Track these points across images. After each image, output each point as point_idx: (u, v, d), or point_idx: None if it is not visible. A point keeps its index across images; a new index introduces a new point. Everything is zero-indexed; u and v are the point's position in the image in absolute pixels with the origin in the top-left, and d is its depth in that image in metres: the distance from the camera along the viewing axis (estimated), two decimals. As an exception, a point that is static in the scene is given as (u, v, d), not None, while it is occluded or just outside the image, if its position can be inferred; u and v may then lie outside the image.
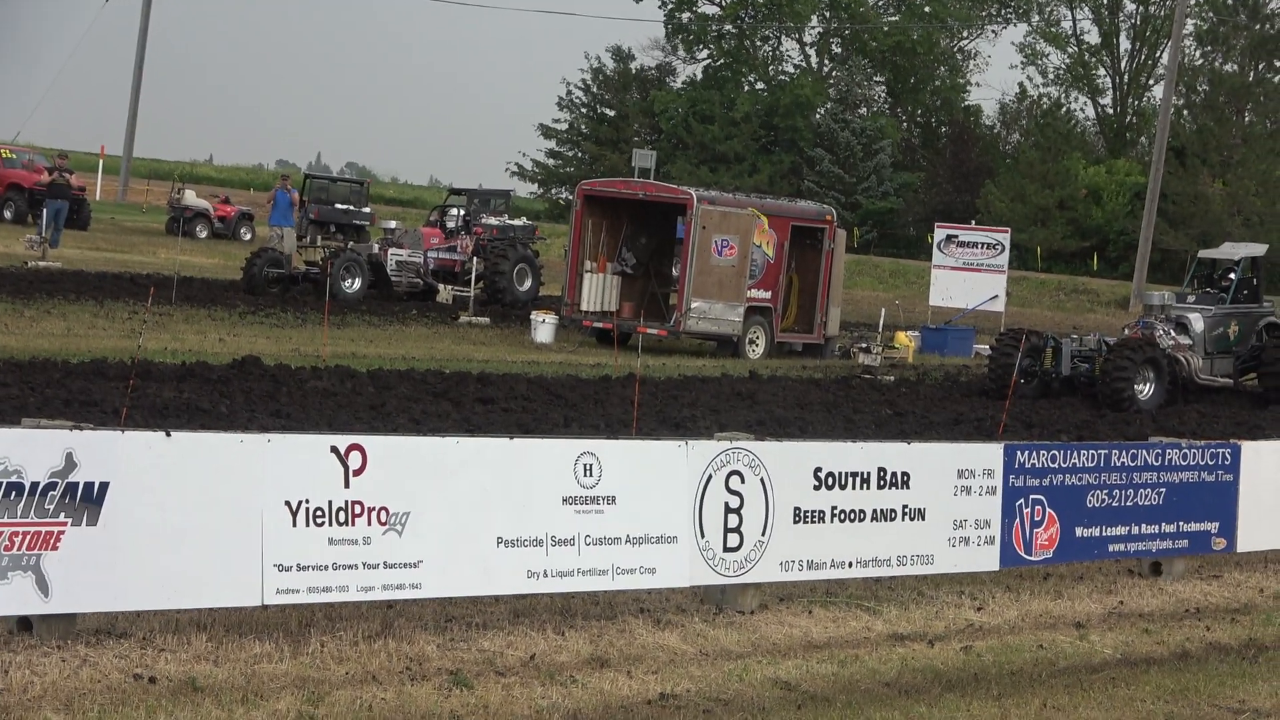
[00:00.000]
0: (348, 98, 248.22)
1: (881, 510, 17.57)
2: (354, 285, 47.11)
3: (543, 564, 15.19)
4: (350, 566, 14.10)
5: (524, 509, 15.11)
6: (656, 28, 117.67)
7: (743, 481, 16.52)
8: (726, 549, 16.41)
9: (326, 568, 13.98)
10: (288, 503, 13.80)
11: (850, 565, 17.42)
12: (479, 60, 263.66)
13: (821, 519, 17.09)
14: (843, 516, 17.24)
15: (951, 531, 18.17)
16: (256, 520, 13.69)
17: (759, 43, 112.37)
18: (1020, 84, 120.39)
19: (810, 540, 17.00)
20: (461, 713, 13.06)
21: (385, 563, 14.29)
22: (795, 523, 16.90)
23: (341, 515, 14.04)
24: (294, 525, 13.83)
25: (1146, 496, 20.04)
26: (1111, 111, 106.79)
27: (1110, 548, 19.80)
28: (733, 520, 16.43)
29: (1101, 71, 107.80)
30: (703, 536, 16.23)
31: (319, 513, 13.94)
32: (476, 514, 14.83)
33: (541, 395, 29.21)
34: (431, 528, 14.52)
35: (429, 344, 38.07)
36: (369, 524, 14.18)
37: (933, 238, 55.29)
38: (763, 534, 16.64)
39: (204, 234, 71.05)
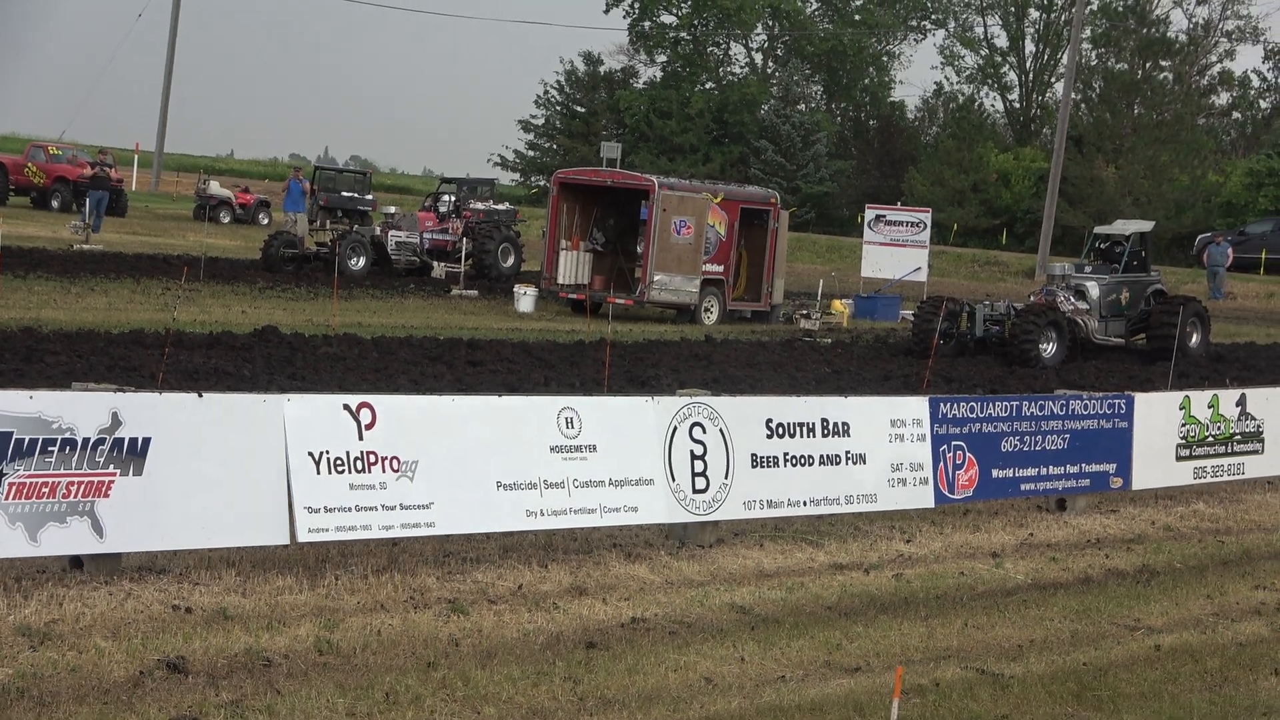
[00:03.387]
0: (352, 98, 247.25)
1: (828, 455, 17.61)
2: (359, 263, 47.04)
3: (538, 504, 15.22)
4: (371, 508, 14.11)
5: (517, 457, 15.13)
6: (621, 35, 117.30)
7: (704, 432, 16.55)
8: (695, 490, 16.44)
9: (350, 509, 13.99)
10: (310, 453, 13.80)
11: (805, 504, 17.45)
12: (466, 64, 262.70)
13: (776, 464, 17.11)
14: (794, 461, 17.27)
15: (891, 474, 18.22)
16: (283, 469, 13.69)
17: (711, 48, 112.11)
18: (939, 82, 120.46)
19: (768, 482, 17.04)
20: (459, 636, 13.08)
21: (401, 504, 14.30)
22: (754, 467, 16.92)
23: (359, 464, 14.05)
24: (318, 473, 13.83)
25: (1053, 442, 20.10)
26: (1018, 106, 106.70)
27: (1022, 487, 19.87)
28: (699, 465, 16.46)
29: (1009, 71, 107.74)
30: (674, 480, 16.26)
31: (339, 462, 13.95)
32: (476, 461, 14.85)
33: (524, 358, 29.18)
34: (439, 473, 14.53)
35: (425, 314, 38.00)
36: (383, 471, 14.19)
37: (863, 218, 55.23)
38: (726, 477, 16.67)
39: (227, 219, 70.76)
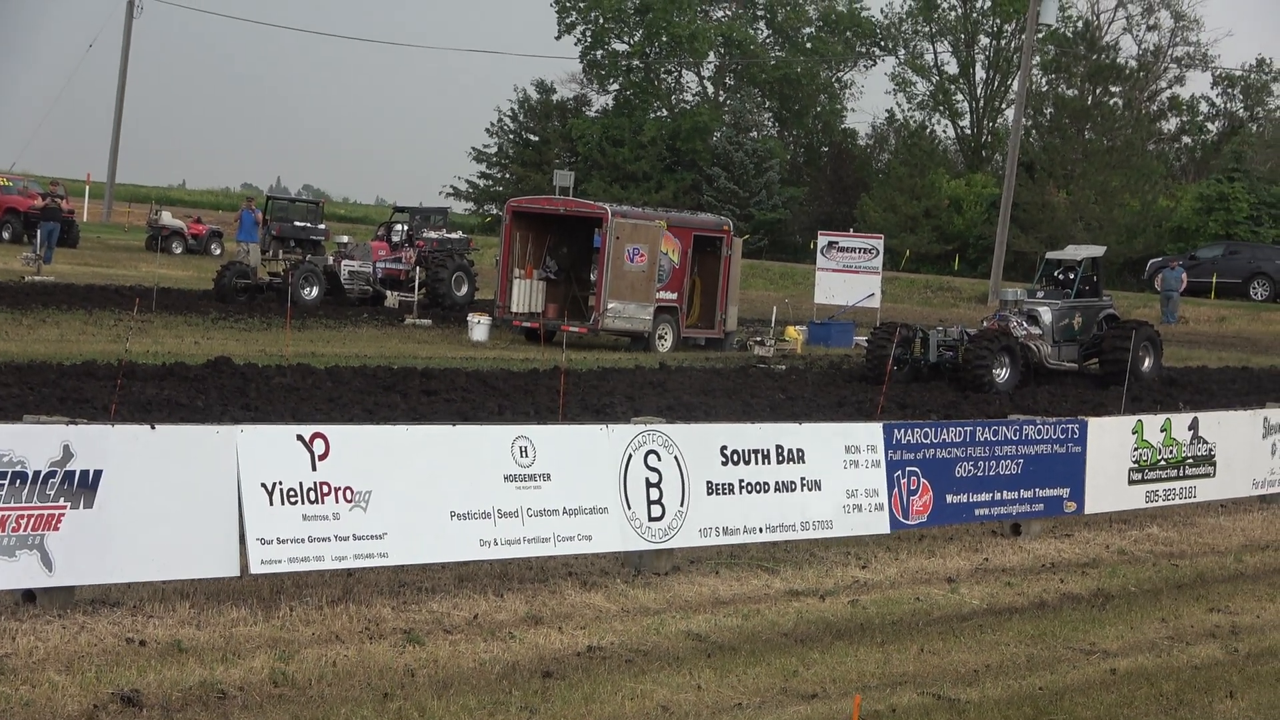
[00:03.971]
0: (304, 128, 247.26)
1: (782, 482, 17.61)
2: (312, 293, 46.93)
3: (492, 533, 15.18)
4: (324, 539, 14.06)
5: (471, 486, 15.09)
6: (574, 63, 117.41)
7: (659, 459, 16.54)
8: (651, 518, 16.42)
9: (303, 540, 13.94)
10: (263, 484, 13.75)
11: (761, 530, 17.45)
12: (419, 93, 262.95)
13: (732, 490, 17.11)
14: (750, 488, 17.27)
15: (846, 499, 18.22)
16: (235, 500, 13.63)
17: (663, 75, 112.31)
18: (890, 109, 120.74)
19: (724, 509, 17.03)
20: (415, 666, 13.04)
21: (354, 535, 14.26)
22: (709, 494, 16.92)
23: (312, 494, 14.00)
24: (270, 504, 13.78)
25: (1007, 466, 20.14)
26: (969, 132, 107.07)
27: (976, 512, 19.90)
28: (654, 493, 16.44)
29: (960, 97, 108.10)
30: (629, 508, 16.23)
31: (292, 492, 13.90)
32: (430, 491, 14.81)
33: (478, 387, 29.12)
34: (392, 504, 14.50)
35: (379, 344, 37.93)
36: (336, 501, 14.14)
37: (816, 244, 55.31)
38: (681, 504, 16.65)
39: (179, 250, 70.51)
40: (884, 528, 18.69)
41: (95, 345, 31.75)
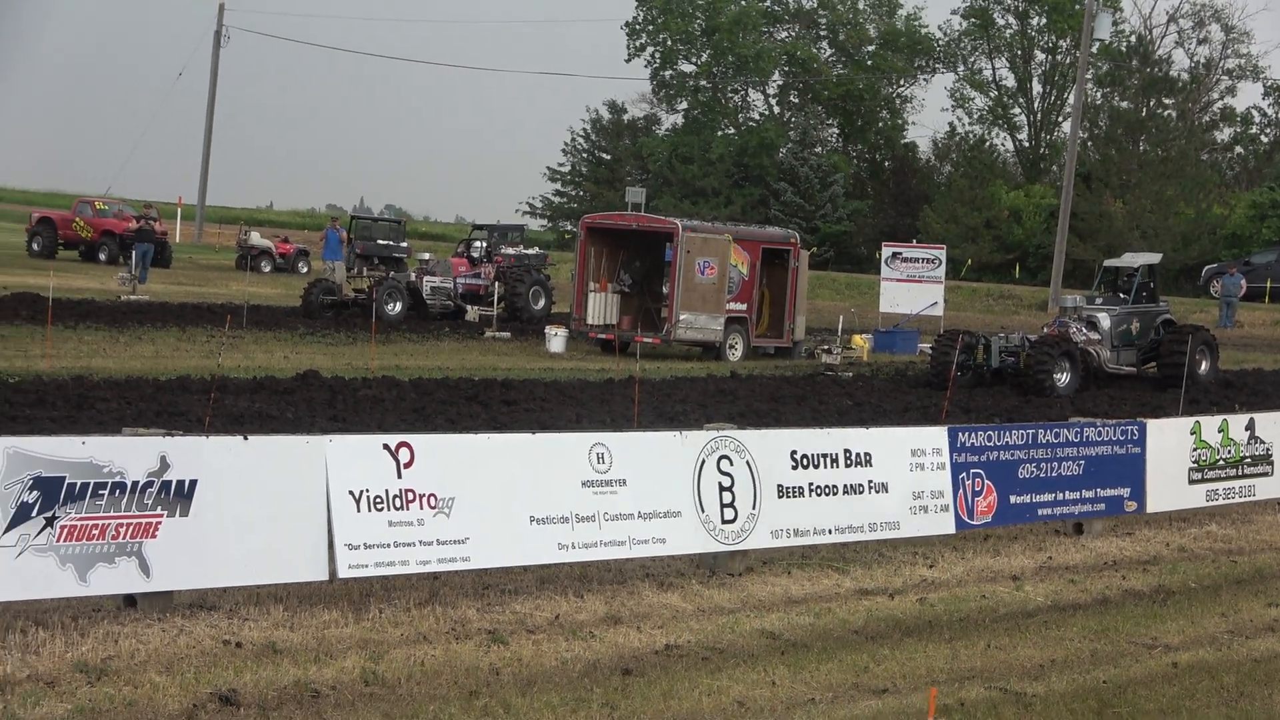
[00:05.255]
0: (385, 149, 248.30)
1: (851, 485, 17.58)
2: (395, 308, 47.08)
3: (570, 537, 15.19)
4: (408, 544, 14.10)
5: (550, 492, 15.11)
6: (644, 84, 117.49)
7: (731, 464, 16.52)
8: (724, 521, 16.41)
9: (389, 545, 13.99)
10: (351, 492, 13.81)
11: (830, 532, 17.42)
12: (496, 115, 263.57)
13: (802, 494, 17.08)
14: (819, 491, 17.24)
15: (912, 501, 18.18)
16: (324, 507, 13.69)
17: (730, 94, 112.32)
18: (950, 123, 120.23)
19: (794, 512, 17.00)
20: (499, 665, 13.07)
21: (438, 540, 14.30)
22: (780, 498, 16.89)
23: (397, 501, 14.05)
24: (358, 510, 13.84)
25: (1069, 468, 20.05)
26: (1027, 145, 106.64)
27: (1039, 512, 19.81)
28: (726, 497, 16.43)
29: (1018, 111, 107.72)
30: (703, 511, 16.23)
31: (378, 499, 13.95)
32: (510, 497, 14.84)
33: (556, 396, 29.17)
34: (474, 509, 14.53)
35: (460, 356, 38.03)
36: (421, 508, 14.19)
37: (880, 255, 55.21)
38: (753, 508, 16.64)
39: (268, 269, 70.90)
40: (949, 528, 18.62)
41: (189, 361, 31.95)
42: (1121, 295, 39.34)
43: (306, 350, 36.60)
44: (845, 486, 17.52)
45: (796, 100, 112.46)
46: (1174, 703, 13.24)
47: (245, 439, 13.61)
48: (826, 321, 52.47)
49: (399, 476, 14.10)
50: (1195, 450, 21.88)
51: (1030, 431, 19.87)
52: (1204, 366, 38.80)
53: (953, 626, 15.50)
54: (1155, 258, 41.71)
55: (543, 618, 14.47)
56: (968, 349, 36.43)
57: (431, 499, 14.26)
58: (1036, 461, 19.67)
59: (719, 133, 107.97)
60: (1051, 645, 15.07)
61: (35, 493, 12.34)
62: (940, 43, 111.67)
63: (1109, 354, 38.07)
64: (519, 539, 14.90)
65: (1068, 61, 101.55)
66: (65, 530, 12.44)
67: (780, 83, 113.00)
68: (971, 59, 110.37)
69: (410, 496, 14.14)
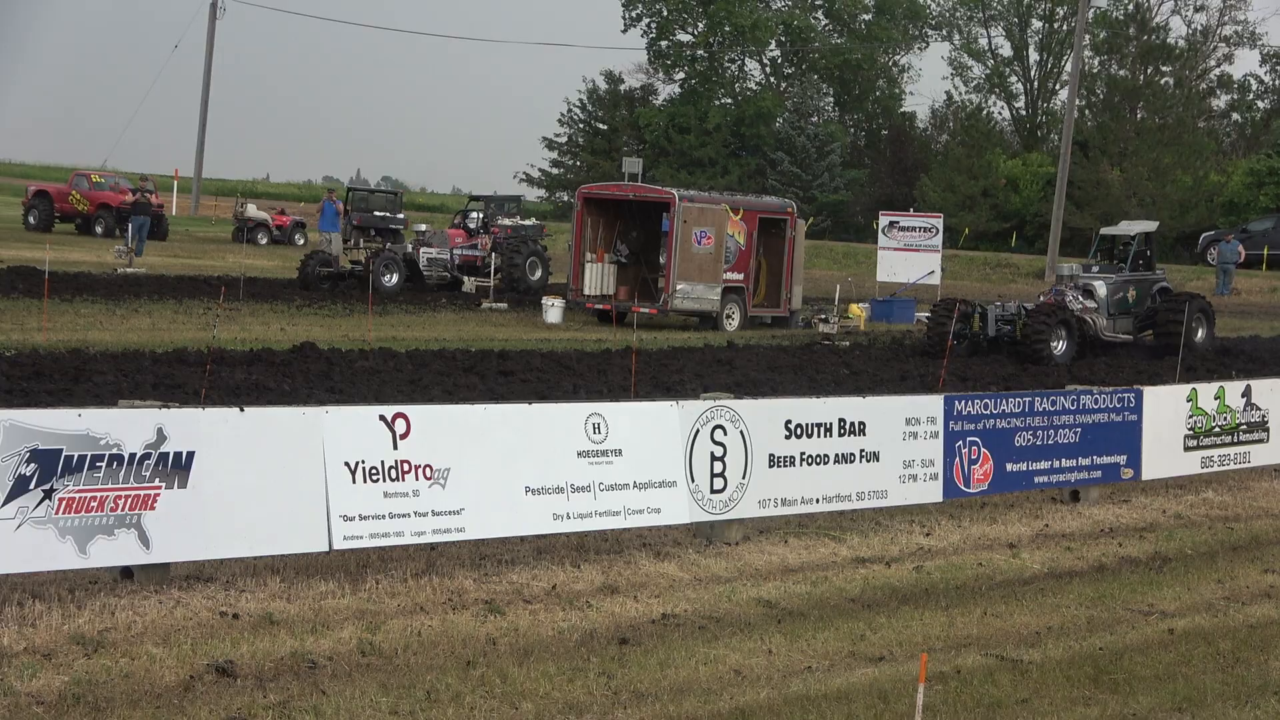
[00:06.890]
0: (382, 120, 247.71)
1: (843, 454, 17.59)
2: (392, 280, 47.08)
3: (565, 507, 15.22)
4: (404, 515, 14.13)
5: (546, 462, 15.14)
6: (640, 54, 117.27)
7: (725, 434, 16.54)
8: (713, 491, 16.44)
9: (384, 516, 14.02)
10: (347, 463, 13.83)
11: (817, 501, 17.44)
12: (492, 86, 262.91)
13: (792, 463, 17.10)
14: (810, 460, 17.25)
15: (902, 470, 18.21)
16: (321, 478, 13.71)
17: (726, 64, 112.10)
18: (947, 92, 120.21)
19: (783, 481, 17.02)
20: (496, 635, 13.10)
21: (433, 511, 14.32)
22: (770, 467, 16.91)
23: (393, 472, 14.07)
24: (354, 482, 13.86)
25: (1065, 435, 20.08)
26: (1024, 113, 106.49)
27: (1036, 479, 19.85)
28: (717, 467, 16.46)
29: (1014, 79, 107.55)
30: (693, 481, 16.25)
31: (374, 471, 13.97)
32: (506, 468, 14.86)
33: (553, 367, 29.18)
34: (470, 480, 14.55)
35: (457, 327, 38.03)
36: (417, 479, 14.21)
37: (877, 224, 55.18)
38: (743, 477, 16.66)
39: (264, 241, 70.89)
40: (937, 496, 18.65)
41: (185, 333, 31.96)
42: (1118, 263, 39.34)
43: (303, 322, 36.60)
44: (836, 456, 17.53)
45: (793, 70, 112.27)
46: (1170, 669, 13.27)
47: (242, 411, 13.63)
48: (823, 291, 52.44)
49: (395, 448, 14.11)
50: (1191, 417, 21.90)
51: (1027, 399, 19.89)
52: (1200, 334, 38.83)
53: (949, 594, 15.53)
54: (1152, 225, 41.74)
55: (539, 588, 14.50)
56: (964, 318, 36.45)
57: (428, 470, 14.28)
58: (1033, 429, 19.70)
59: (715, 102, 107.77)
60: (1048, 612, 15.10)
61: (33, 465, 12.35)
62: (935, 11, 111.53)
63: (1105, 322, 38.09)
64: (515, 509, 14.93)
65: (1064, 29, 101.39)
66: (64, 502, 12.45)
67: (777, 52, 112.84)
68: (968, 28, 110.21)
69: (406, 467, 14.16)
